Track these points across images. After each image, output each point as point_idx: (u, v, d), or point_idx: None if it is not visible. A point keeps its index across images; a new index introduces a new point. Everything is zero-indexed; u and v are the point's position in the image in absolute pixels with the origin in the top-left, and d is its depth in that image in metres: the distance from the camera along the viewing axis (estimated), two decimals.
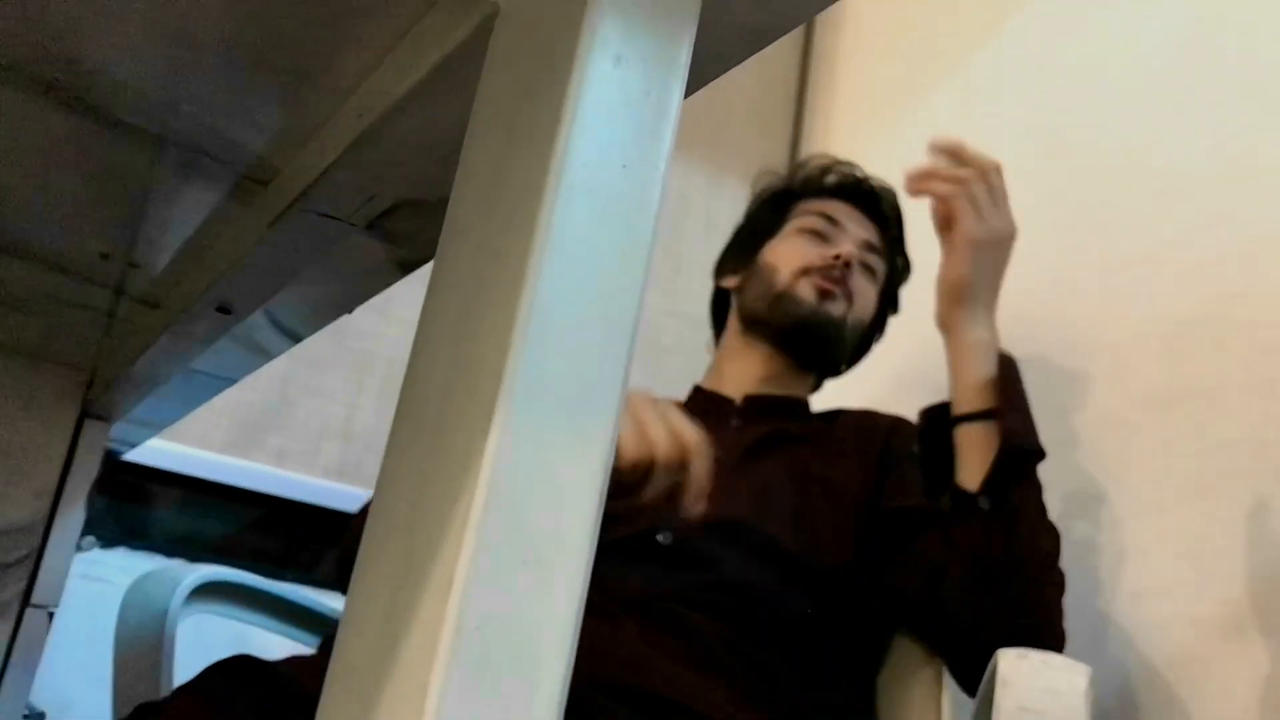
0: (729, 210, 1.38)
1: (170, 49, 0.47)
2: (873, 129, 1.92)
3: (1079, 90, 1.50)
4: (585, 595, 0.26)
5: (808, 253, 1.22)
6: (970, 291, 1.09)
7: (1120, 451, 1.24)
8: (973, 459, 1.02)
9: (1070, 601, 0.99)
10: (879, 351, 1.33)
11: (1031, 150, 1.53)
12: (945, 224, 1.12)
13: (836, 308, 1.20)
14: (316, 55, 0.46)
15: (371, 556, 0.28)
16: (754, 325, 1.24)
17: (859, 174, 1.31)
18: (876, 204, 1.28)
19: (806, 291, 1.20)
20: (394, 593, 0.27)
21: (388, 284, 0.64)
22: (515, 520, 0.25)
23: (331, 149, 0.48)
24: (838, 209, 1.26)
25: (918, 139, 1.81)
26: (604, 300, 0.28)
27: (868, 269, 1.25)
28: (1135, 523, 1.19)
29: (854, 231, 1.25)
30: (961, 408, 1.06)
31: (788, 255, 1.23)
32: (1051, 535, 1.00)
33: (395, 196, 0.50)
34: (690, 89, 0.32)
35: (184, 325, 0.72)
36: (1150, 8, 1.42)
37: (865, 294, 1.24)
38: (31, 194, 0.67)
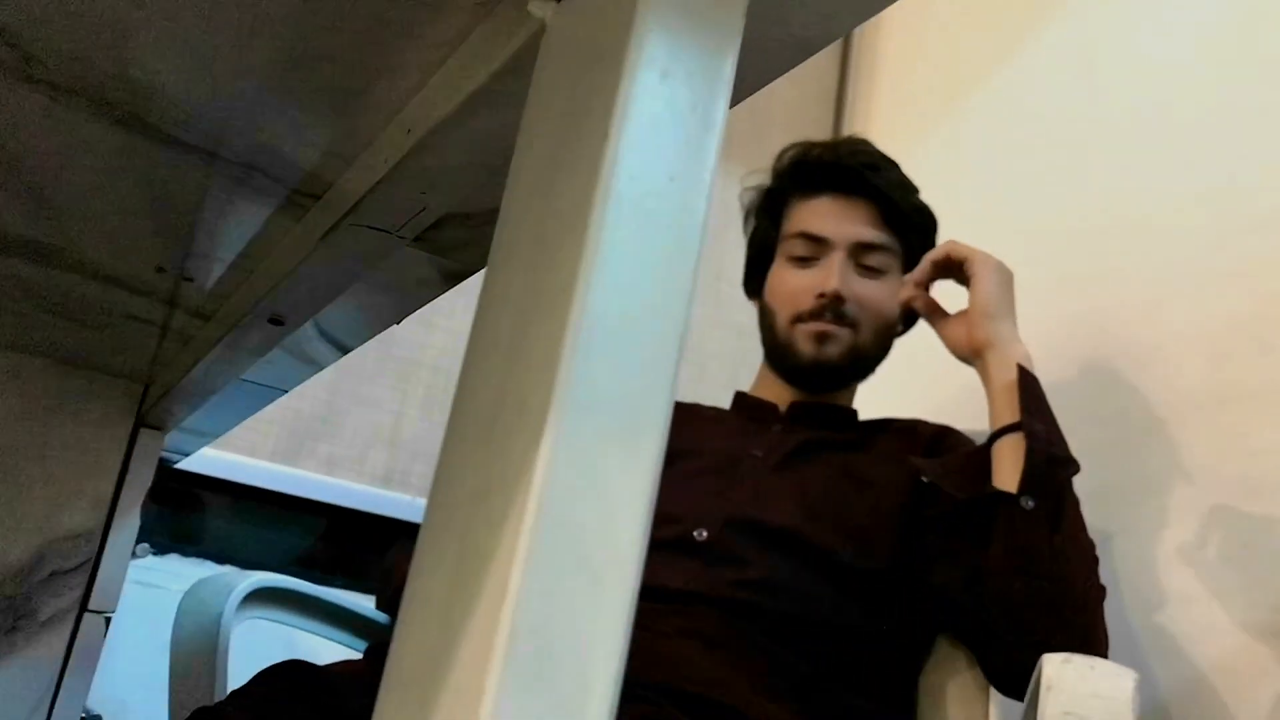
0: None
1: (223, 68, 0.48)
2: (912, 136, 1.91)
3: (1117, 94, 1.48)
4: (636, 602, 0.26)
5: (797, 291, 1.19)
6: (1001, 308, 1.10)
7: (1167, 455, 1.22)
8: (1008, 466, 1.01)
9: (1117, 606, 0.98)
10: (937, 361, 1.23)
11: (1072, 154, 1.52)
12: (932, 308, 1.17)
13: (834, 348, 1.17)
14: (365, 73, 0.47)
15: (425, 566, 0.29)
16: (770, 362, 1.24)
17: (833, 156, 1.23)
18: (863, 183, 1.21)
19: (804, 342, 1.18)
20: (448, 602, 0.27)
21: (434, 296, 0.65)
22: (567, 529, 0.26)
23: (382, 164, 0.49)
24: (821, 211, 1.20)
25: (957, 145, 1.82)
26: (652, 311, 0.28)
27: (869, 270, 1.19)
28: (1183, 527, 1.18)
29: (842, 235, 1.18)
30: (1000, 423, 1.05)
31: (781, 296, 1.21)
32: (1091, 544, 1.00)
33: (443, 209, 0.51)
34: (734, 100, 0.32)
35: (237, 336, 0.74)
36: (1185, 11, 1.41)
37: (873, 301, 1.18)
38: (87, 210, 0.68)
